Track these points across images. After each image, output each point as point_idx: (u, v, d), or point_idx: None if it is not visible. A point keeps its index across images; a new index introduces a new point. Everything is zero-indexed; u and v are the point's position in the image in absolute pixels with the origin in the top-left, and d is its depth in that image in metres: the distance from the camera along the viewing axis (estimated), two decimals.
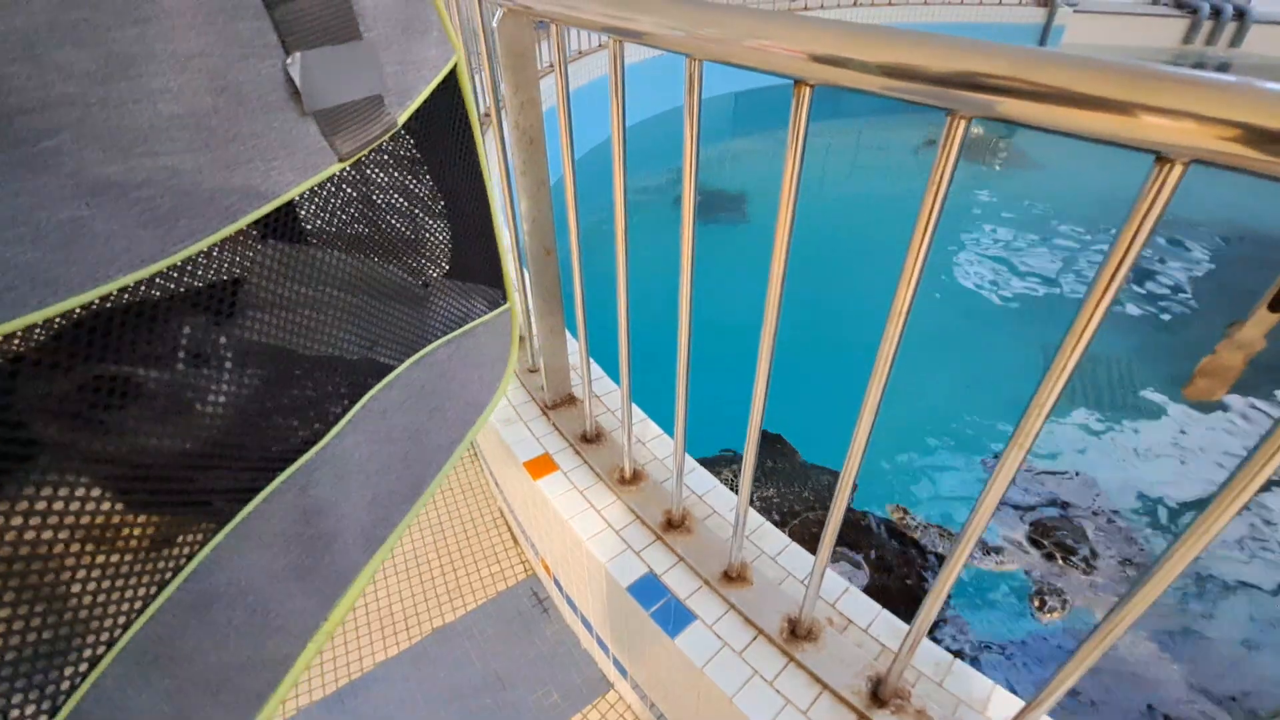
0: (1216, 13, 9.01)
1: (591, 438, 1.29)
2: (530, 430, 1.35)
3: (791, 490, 2.34)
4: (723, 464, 2.46)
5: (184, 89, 0.26)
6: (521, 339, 1.59)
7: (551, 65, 4.25)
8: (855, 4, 7.64)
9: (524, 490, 1.34)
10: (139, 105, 0.25)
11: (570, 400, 1.41)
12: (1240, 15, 8.98)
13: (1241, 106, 0.34)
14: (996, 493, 0.57)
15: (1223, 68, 8.74)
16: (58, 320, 0.24)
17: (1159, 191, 0.39)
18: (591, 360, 1.52)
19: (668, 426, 1.09)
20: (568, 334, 1.37)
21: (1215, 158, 0.36)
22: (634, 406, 1.37)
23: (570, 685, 1.37)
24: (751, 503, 0.92)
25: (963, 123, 0.45)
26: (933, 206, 0.49)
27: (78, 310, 0.24)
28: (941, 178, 0.48)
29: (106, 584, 0.27)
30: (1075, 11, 8.15)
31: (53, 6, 0.22)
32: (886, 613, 0.98)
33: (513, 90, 0.96)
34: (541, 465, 1.25)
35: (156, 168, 0.26)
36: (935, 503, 2.47)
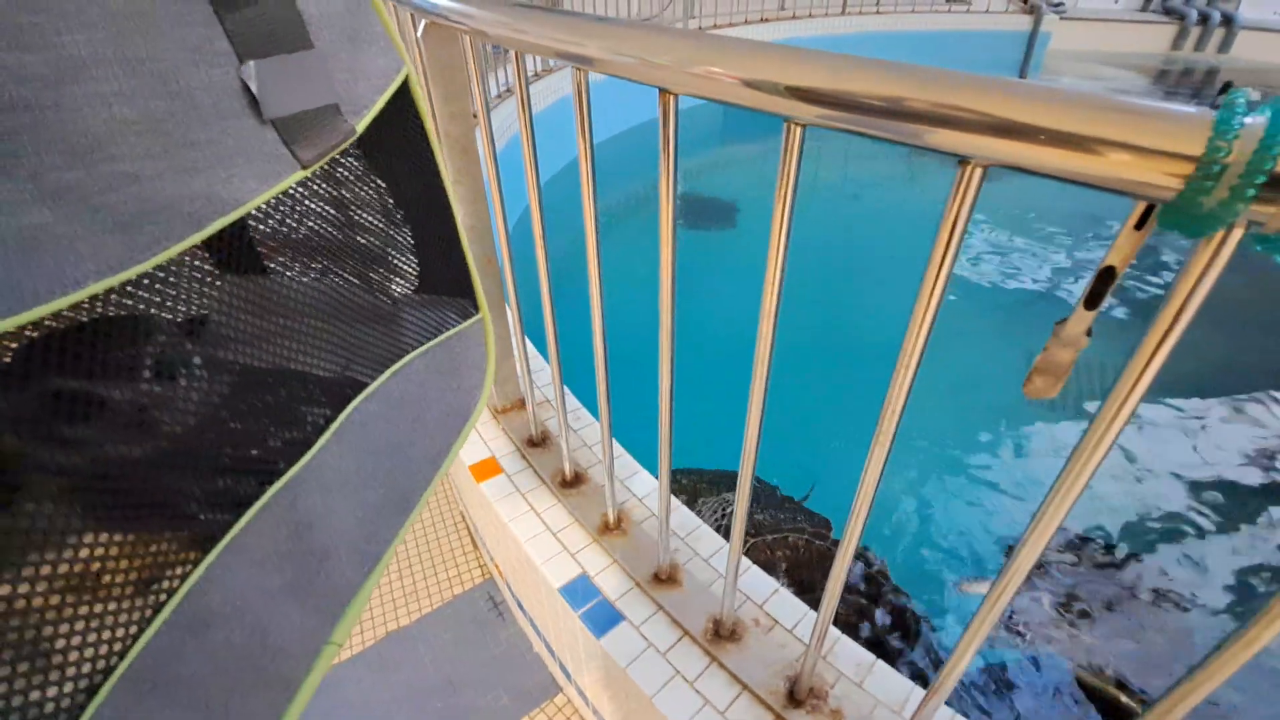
0: (1204, 19, 9.07)
1: (537, 441, 1.30)
2: (479, 434, 1.36)
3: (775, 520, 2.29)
4: (700, 479, 2.43)
5: (136, 92, 0.27)
6: None
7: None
8: (844, 11, 7.69)
9: (473, 493, 1.35)
10: (93, 109, 0.25)
11: (520, 405, 1.42)
12: (1228, 21, 9.04)
13: (1014, 109, 0.35)
14: (867, 491, 0.59)
15: (1211, 73, 8.78)
16: (28, 331, 0.23)
17: (964, 192, 0.41)
18: (545, 366, 1.53)
19: (624, 431, 1.09)
20: (514, 340, 1.38)
21: (1004, 161, 0.37)
22: (582, 410, 1.38)
23: (521, 688, 1.38)
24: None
25: (798, 130, 0.47)
26: (783, 214, 0.51)
27: (48, 320, 0.24)
28: (787, 185, 0.49)
29: (99, 608, 0.27)
30: (1062, 18, 8.21)
31: (1, 11, 0.22)
32: (813, 613, 0.99)
33: (441, 101, 0.98)
34: (486, 468, 1.26)
35: (116, 173, 0.26)
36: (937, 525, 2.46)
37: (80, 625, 0.26)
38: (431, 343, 0.52)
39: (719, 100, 0.49)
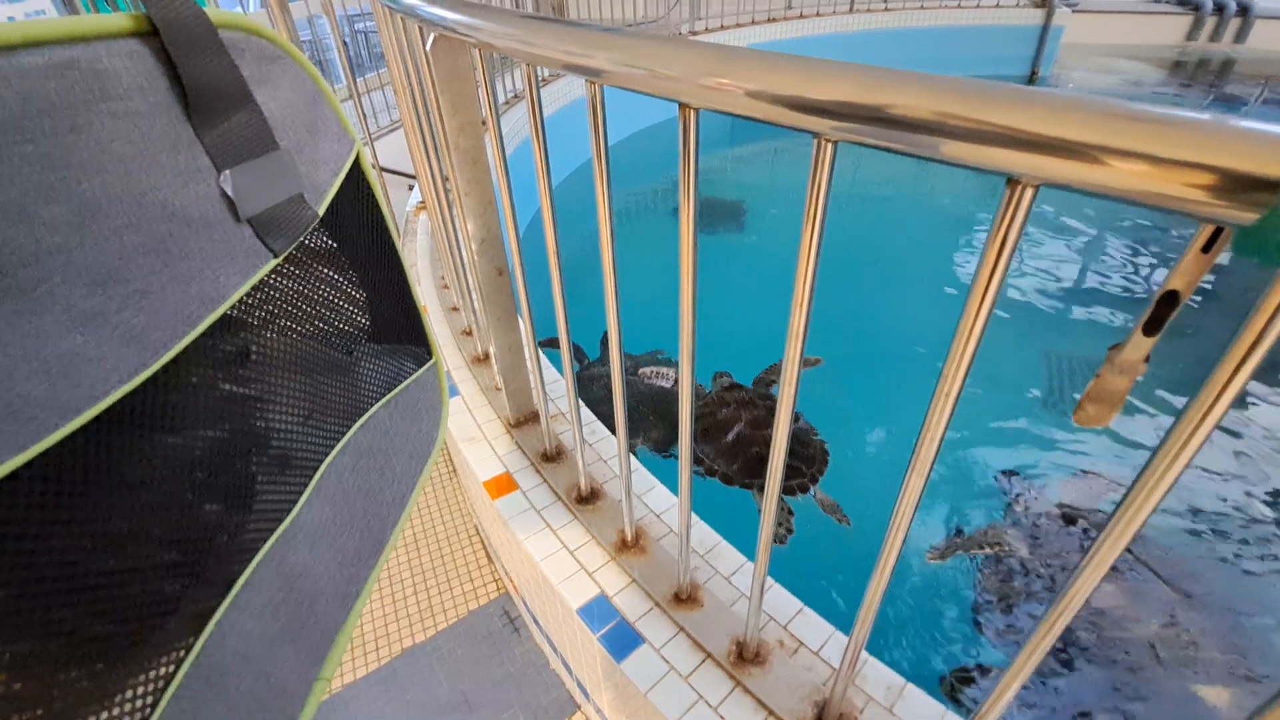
0: (1219, 8, 8.92)
1: (552, 456, 1.28)
2: (493, 448, 1.34)
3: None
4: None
5: (142, 220, 0.30)
6: (485, 357, 1.58)
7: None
8: (852, 10, 7.63)
9: (487, 509, 1.33)
10: (109, 242, 0.28)
11: (535, 418, 1.40)
12: (1243, 11, 8.88)
13: (1073, 126, 0.33)
14: (914, 491, 0.56)
15: (1228, 64, 8.63)
16: (70, 435, 0.27)
17: (1013, 213, 0.38)
18: (560, 378, 1.51)
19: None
20: (528, 352, 1.36)
21: (1060, 181, 0.35)
22: (596, 424, 1.36)
23: (537, 707, 1.36)
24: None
25: (829, 145, 0.44)
26: (813, 230, 0.48)
27: (87, 423, 0.27)
28: (818, 201, 0.47)
29: (135, 666, 0.29)
30: (1074, 11, 8.10)
31: (36, 173, 0.25)
32: (839, 634, 0.96)
33: (450, 112, 0.96)
34: (501, 484, 1.24)
35: (129, 293, 0.29)
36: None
37: (121, 682, 0.29)
38: (393, 392, 0.56)
39: (741, 115, 0.46)
